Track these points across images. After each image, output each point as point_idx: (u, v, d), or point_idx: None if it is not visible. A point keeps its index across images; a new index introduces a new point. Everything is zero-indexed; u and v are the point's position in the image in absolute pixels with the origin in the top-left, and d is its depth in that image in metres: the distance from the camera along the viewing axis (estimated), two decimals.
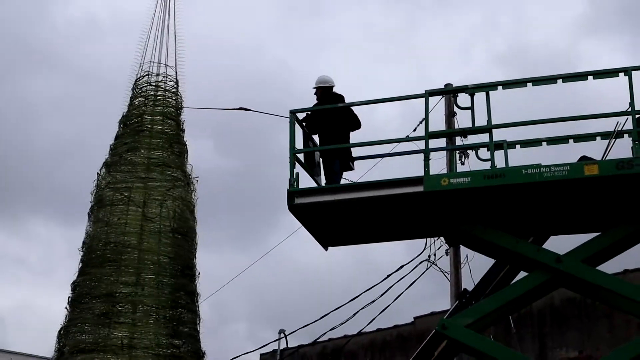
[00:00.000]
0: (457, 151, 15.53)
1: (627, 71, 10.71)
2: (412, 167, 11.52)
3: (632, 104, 10.64)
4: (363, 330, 20.21)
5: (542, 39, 48.50)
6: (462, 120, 13.95)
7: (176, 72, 15.17)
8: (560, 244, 11.63)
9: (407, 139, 11.81)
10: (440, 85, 16.02)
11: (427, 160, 10.97)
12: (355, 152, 12.62)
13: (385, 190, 11.02)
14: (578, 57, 45.83)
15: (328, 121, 12.34)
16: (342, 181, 12.23)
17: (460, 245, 15.38)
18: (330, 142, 12.24)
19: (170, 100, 15.12)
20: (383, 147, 12.20)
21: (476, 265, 17.03)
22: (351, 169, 12.43)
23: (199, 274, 14.38)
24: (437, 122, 17.26)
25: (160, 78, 15.09)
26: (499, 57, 48.89)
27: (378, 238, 12.71)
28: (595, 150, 11.42)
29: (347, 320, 18.47)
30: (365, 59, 50.49)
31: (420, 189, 10.82)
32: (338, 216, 11.72)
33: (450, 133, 12.80)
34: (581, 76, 11.05)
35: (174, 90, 15.18)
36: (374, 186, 11.14)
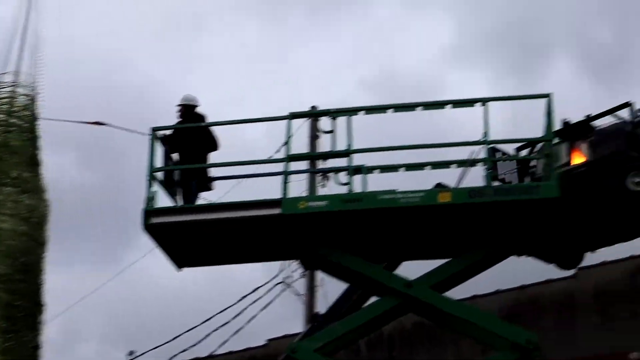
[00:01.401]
0: (319, 174, 15.67)
1: (484, 102, 11.05)
2: (278, 189, 11.48)
3: (486, 134, 10.97)
4: (215, 353, 20.00)
5: (410, 67, 49.61)
6: (327, 143, 14.07)
7: (34, 83, 14.58)
8: (420, 269, 11.78)
9: (267, 160, 11.81)
10: (309, 107, 16.20)
11: (285, 182, 10.97)
12: (219, 172, 12.48)
13: (242, 212, 10.96)
14: (444, 87, 47.07)
15: (187, 140, 12.19)
16: (202, 202, 12.09)
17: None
18: (188, 161, 12.08)
19: (26, 112, 14.48)
20: (251, 167, 12.17)
21: (332, 289, 17.14)
22: (209, 189, 12.30)
23: None
24: (303, 145, 17.44)
25: (17, 89, 14.45)
26: (368, 82, 49.64)
27: (234, 260, 12.61)
28: (455, 177, 11.69)
29: (199, 342, 18.28)
30: (239, 79, 50.36)
31: (277, 211, 10.81)
32: (194, 237, 11.56)
33: (310, 156, 12.86)
34: (440, 105, 11.34)
35: (31, 101, 14.57)
36: (232, 207, 11.06)
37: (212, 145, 12.46)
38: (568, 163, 11.65)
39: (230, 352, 23.37)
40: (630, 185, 11.18)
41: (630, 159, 11.35)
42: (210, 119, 12.47)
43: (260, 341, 23.43)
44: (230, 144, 12.61)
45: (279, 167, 11.64)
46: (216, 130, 12.34)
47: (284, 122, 11.50)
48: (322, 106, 12.62)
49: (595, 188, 11.35)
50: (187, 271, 12.57)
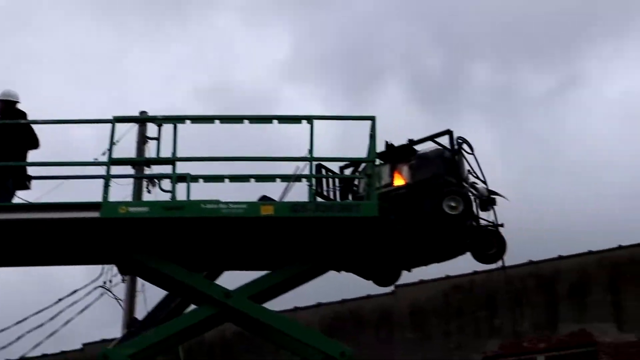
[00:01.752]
0: (145, 180, 15.44)
1: (309, 119, 11.23)
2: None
3: (311, 150, 11.16)
4: (28, 355, 19.35)
5: (245, 80, 49.72)
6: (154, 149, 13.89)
7: None
8: (244, 280, 11.78)
9: (88, 163, 11.53)
10: (139, 112, 15.96)
11: (107, 186, 10.79)
12: (39, 171, 12.11)
13: (60, 213, 10.69)
14: (278, 101, 47.46)
15: (6, 137, 11.79)
16: (19, 201, 11.70)
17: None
18: (5, 158, 11.68)
19: None
20: (75, 169, 11.84)
21: (153, 295, 16.93)
22: (27, 188, 11.93)
23: None
24: (132, 150, 17.15)
25: None
26: (203, 91, 49.43)
27: (51, 261, 12.27)
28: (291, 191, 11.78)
29: (11, 344, 17.64)
30: (70, 79, 48.99)
31: (96, 214, 10.61)
32: (9, 236, 11.18)
33: (134, 161, 12.69)
34: (266, 119, 11.44)
35: None
36: (49, 208, 10.76)
37: (32, 143, 12.09)
38: (389, 184, 12.00)
39: (45, 355, 22.70)
40: (446, 209, 11.61)
41: (448, 183, 11.80)
42: (33, 117, 12.10)
43: (76, 345, 22.91)
44: (56, 145, 12.29)
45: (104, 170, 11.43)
46: (37, 129, 11.98)
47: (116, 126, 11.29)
48: (153, 112, 12.47)
49: (413, 210, 11.73)
50: (5, 270, 12.18)
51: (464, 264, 13.51)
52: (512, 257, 14.10)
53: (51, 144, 12.39)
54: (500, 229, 12.33)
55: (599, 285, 18.60)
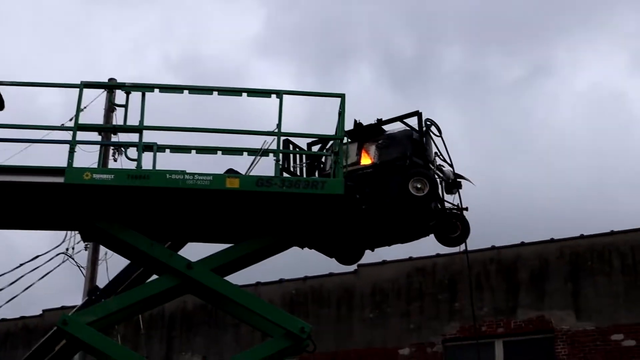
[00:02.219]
0: (111, 148, 15.33)
1: (279, 94, 11.20)
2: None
3: (279, 125, 11.14)
4: None
5: (216, 52, 49.49)
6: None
7: None
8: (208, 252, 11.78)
9: (55, 127, 11.44)
10: (108, 79, 15.84)
11: (72, 152, 10.69)
12: (4, 134, 11.97)
13: (23, 177, 10.58)
14: (249, 75, 47.32)
15: None
16: None
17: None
18: None
19: None
20: (42, 133, 11.72)
21: (115, 263, 16.88)
22: None
23: None
24: (99, 117, 17.03)
25: None
26: (172, 62, 49.17)
27: (12, 226, 12.17)
28: (258, 166, 11.76)
29: None
30: (36, 43, 48.44)
31: (60, 180, 10.52)
32: None
33: (100, 128, 12.58)
34: (236, 92, 11.38)
35: None
36: (11, 171, 10.65)
37: None
38: (356, 163, 12.01)
39: (4, 320, 22.62)
40: (412, 190, 11.65)
41: (414, 165, 11.84)
42: None
43: (36, 311, 22.84)
44: (21, 108, 12.14)
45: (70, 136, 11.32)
46: (2, 91, 11.84)
47: (84, 92, 11.18)
48: (122, 80, 12.33)
49: (379, 190, 11.76)
50: None
51: (427, 246, 13.61)
52: (475, 241, 14.22)
53: (17, 107, 12.25)
54: (465, 213, 12.41)
55: (559, 273, 18.81)
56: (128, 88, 11.18)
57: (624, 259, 18.41)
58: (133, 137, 11.33)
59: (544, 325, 18.57)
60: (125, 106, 11.21)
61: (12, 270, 17.29)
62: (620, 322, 17.99)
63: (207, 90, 11.23)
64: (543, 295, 18.79)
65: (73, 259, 16.68)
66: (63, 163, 10.69)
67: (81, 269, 16.80)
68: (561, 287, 18.71)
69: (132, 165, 11.05)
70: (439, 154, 12.49)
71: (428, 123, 12.26)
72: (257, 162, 11.57)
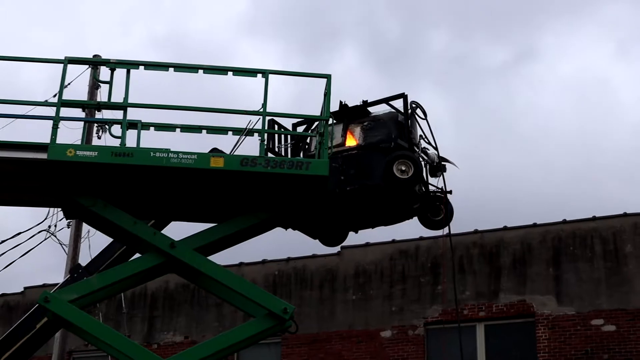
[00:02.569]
0: (95, 125, 15.24)
1: (265, 73, 11.14)
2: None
3: (264, 105, 11.09)
4: None
5: (202, 30, 49.24)
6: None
7: None
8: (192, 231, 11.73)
9: (38, 102, 11.35)
10: (93, 55, 15.73)
11: (55, 128, 10.61)
12: None
13: (7, 152, 10.50)
14: (234, 54, 47.14)
15: None
16: None
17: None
18: None
19: None
20: (25, 109, 11.64)
21: (98, 241, 16.82)
22: None
23: None
24: (83, 93, 16.92)
25: None
26: (158, 39, 48.91)
27: None
28: (243, 145, 11.72)
29: None
30: (19, 17, 48.05)
31: (43, 156, 10.45)
32: None
33: (84, 105, 12.49)
34: (221, 70, 11.32)
35: None
36: None
37: None
38: (341, 144, 12.00)
39: None
40: (396, 173, 11.65)
41: (399, 147, 11.84)
42: None
43: (17, 288, 22.77)
44: (4, 83, 12.05)
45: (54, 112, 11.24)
46: None
47: (68, 69, 11.09)
48: (107, 56, 12.25)
49: (363, 171, 11.75)
50: None
51: (411, 228, 13.63)
52: (458, 224, 14.25)
53: (0, 82, 12.16)
54: (449, 196, 12.43)
55: (541, 258, 18.89)
56: (113, 64, 11.09)
57: (606, 244, 18.50)
58: (117, 115, 11.27)
59: (525, 309, 18.66)
60: (110, 83, 11.12)
61: None
62: (601, 308, 18.10)
63: (192, 69, 11.16)
64: (525, 280, 18.87)
65: (55, 236, 16.63)
66: (46, 139, 10.62)
67: (63, 246, 16.74)
68: (543, 272, 18.79)
69: (116, 143, 10.99)
70: (424, 136, 12.50)
71: (413, 106, 12.25)
72: (242, 141, 11.53)
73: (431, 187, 12.42)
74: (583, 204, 35.62)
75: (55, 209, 15.61)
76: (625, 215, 18.66)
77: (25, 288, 22.54)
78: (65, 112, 11.07)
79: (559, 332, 18.22)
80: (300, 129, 12.51)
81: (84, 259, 15.60)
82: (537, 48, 47.42)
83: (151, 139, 11.21)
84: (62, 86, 10.90)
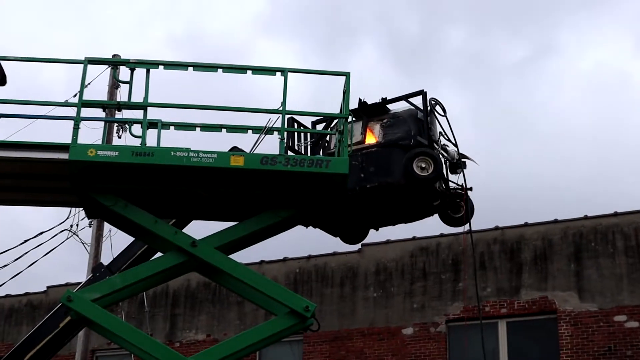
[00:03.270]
0: (116, 125, 15.31)
1: (284, 71, 11.15)
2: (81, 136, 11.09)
3: (284, 103, 11.10)
4: None
5: (220, 29, 49.38)
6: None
7: None
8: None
9: (59, 103, 11.43)
10: (112, 55, 15.82)
11: (76, 128, 10.67)
12: (8, 110, 11.97)
13: (27, 152, 10.58)
14: (253, 53, 47.24)
15: None
16: None
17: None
18: None
19: None
20: (44, 109, 11.72)
21: (120, 240, 16.93)
22: None
23: None
24: (104, 93, 17.02)
25: None
26: (176, 39, 49.08)
27: (16, 202, 12.20)
28: (263, 144, 11.76)
29: None
30: (39, 18, 48.36)
31: (65, 156, 10.51)
32: None
33: (104, 105, 12.56)
34: (241, 69, 11.33)
35: None
36: (16, 147, 10.65)
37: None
38: (361, 142, 12.00)
39: (8, 296, 22.71)
40: (416, 170, 11.64)
41: (418, 144, 11.82)
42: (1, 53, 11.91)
43: (40, 287, 22.93)
44: (25, 84, 12.14)
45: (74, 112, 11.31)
46: (7, 67, 11.81)
47: (88, 69, 11.15)
48: (126, 56, 12.28)
49: (382, 169, 11.75)
50: None
51: (431, 225, 13.61)
52: (479, 221, 14.24)
53: (20, 83, 12.24)
54: (469, 193, 12.40)
55: (562, 254, 18.81)
56: (132, 64, 11.12)
57: (628, 240, 18.40)
58: (137, 114, 11.32)
59: (547, 306, 18.60)
60: (130, 83, 11.17)
61: (16, 247, 17.34)
62: (623, 304, 18.01)
63: (211, 68, 11.17)
64: (546, 276, 18.81)
65: (77, 235, 16.73)
66: (66, 139, 10.69)
67: (85, 245, 16.84)
68: (564, 268, 18.72)
69: (137, 142, 11.04)
70: (443, 133, 12.47)
71: (433, 102, 12.23)
72: (262, 140, 11.55)
73: (451, 184, 12.40)
74: (604, 199, 35.43)
75: (77, 208, 15.69)
76: None
77: (48, 287, 22.70)
78: (85, 112, 11.15)
79: (581, 328, 18.15)
80: (319, 127, 12.53)
81: (106, 258, 15.71)
82: (556, 44, 47.24)
83: (171, 139, 11.27)
84: (83, 86, 10.96)
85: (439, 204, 12.24)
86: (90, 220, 15.91)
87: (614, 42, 46.95)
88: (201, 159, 10.66)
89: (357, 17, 48.32)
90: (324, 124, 12.53)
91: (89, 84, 11.00)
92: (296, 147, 12.44)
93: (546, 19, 47.81)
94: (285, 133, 11.31)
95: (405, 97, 12.14)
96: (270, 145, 11.49)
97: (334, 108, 11.70)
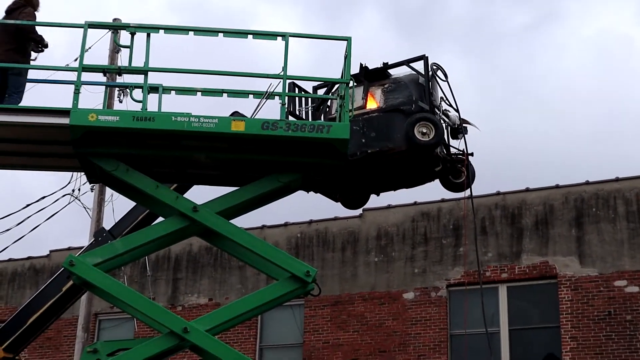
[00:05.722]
0: (117, 89, 15.27)
1: (285, 36, 11.09)
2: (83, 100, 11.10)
3: (285, 68, 11.05)
4: None
5: None
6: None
7: None
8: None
9: (60, 67, 11.39)
10: (112, 20, 15.76)
11: (77, 93, 10.63)
12: None
13: (28, 117, 10.57)
14: (254, 20, 46.96)
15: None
16: None
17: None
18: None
19: None
20: (45, 73, 11.68)
21: (122, 205, 16.96)
22: None
23: None
24: (104, 57, 16.95)
25: None
26: (177, 4, 48.78)
27: (17, 166, 12.21)
28: (264, 109, 11.76)
29: None
30: None
31: (65, 121, 10.50)
32: None
33: (105, 69, 12.50)
34: (241, 33, 11.26)
35: None
36: (18, 112, 10.64)
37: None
38: (362, 107, 11.96)
39: (11, 260, 22.82)
40: (417, 135, 11.62)
41: (420, 109, 11.79)
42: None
43: (43, 251, 23.04)
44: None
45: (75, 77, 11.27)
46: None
47: (89, 33, 11.10)
48: (127, 21, 12.18)
49: (384, 134, 11.73)
50: None
51: (432, 190, 13.62)
52: (480, 186, 14.25)
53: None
54: (470, 158, 12.39)
55: (563, 219, 18.84)
56: (133, 29, 11.05)
57: (629, 205, 18.43)
58: (138, 79, 11.28)
59: (547, 271, 18.67)
60: (130, 47, 11.11)
61: (19, 211, 17.40)
62: (623, 269, 18.08)
63: (212, 32, 11.10)
64: (547, 241, 18.86)
65: (79, 200, 16.77)
66: (66, 104, 10.68)
67: (87, 210, 16.90)
68: (566, 233, 18.76)
69: (138, 107, 11.02)
70: (444, 98, 12.43)
71: (434, 67, 12.18)
72: (263, 105, 11.52)
73: (452, 150, 12.38)
74: (606, 165, 35.43)
75: (78, 173, 15.71)
76: None
77: (51, 251, 22.79)
78: (86, 76, 11.11)
79: (581, 293, 18.23)
80: (320, 92, 12.49)
81: (108, 223, 15.75)
82: (558, 10, 46.97)
83: (172, 103, 11.23)
84: (83, 51, 10.90)
85: (440, 169, 12.23)
86: (92, 185, 15.93)
87: (616, 7, 46.67)
88: (202, 124, 10.64)
89: None
90: (325, 89, 12.50)
91: (89, 48, 10.93)
92: (297, 112, 12.41)
93: None
94: (286, 98, 11.28)
95: (407, 62, 12.08)
96: (271, 110, 11.47)
97: (336, 73, 11.65)
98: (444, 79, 12.30)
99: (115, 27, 11.80)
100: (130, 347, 10.81)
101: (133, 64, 11.11)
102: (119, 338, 20.05)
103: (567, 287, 18.41)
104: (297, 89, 12.31)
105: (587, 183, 19.03)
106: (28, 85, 11.98)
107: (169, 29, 11.09)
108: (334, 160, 11.24)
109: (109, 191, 16.50)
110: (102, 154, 10.95)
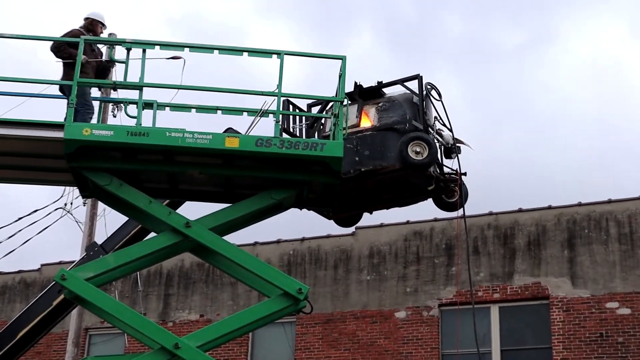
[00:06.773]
0: (111, 104, 15.28)
1: (280, 54, 11.13)
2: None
3: (279, 86, 11.09)
4: None
5: (217, 12, 49.21)
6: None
7: None
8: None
9: (55, 82, 11.41)
10: (108, 35, 15.76)
11: (71, 107, 10.66)
12: (3, 87, 11.94)
13: (22, 130, 10.57)
14: (248, 36, 47.07)
15: None
16: None
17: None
18: None
19: None
20: (40, 87, 11.70)
21: (114, 220, 16.91)
22: None
23: None
24: None
25: None
26: (172, 20, 48.91)
27: (11, 179, 12.20)
28: (258, 126, 11.77)
29: None
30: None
31: (60, 135, 10.50)
32: None
33: (100, 84, 12.52)
34: (237, 51, 11.30)
35: None
36: (12, 125, 10.64)
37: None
38: (356, 125, 11.99)
39: (1, 273, 22.76)
40: (411, 154, 11.65)
41: (413, 128, 11.82)
42: None
43: (34, 265, 22.96)
44: (20, 61, 12.10)
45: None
46: (3, 44, 11.83)
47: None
48: (122, 36, 12.27)
49: (377, 152, 11.76)
50: None
51: (425, 210, 13.64)
52: (473, 206, 14.27)
53: (16, 60, 12.23)
54: (463, 178, 12.42)
55: (556, 241, 18.87)
56: (129, 44, 11.09)
57: (621, 227, 18.46)
58: (133, 94, 11.31)
59: (539, 292, 18.67)
60: (126, 62, 11.14)
61: (10, 224, 17.33)
62: (615, 291, 18.09)
63: (208, 49, 11.15)
64: (539, 262, 18.87)
65: (71, 214, 16.73)
66: (61, 118, 10.67)
67: (79, 224, 16.85)
68: (558, 254, 18.78)
69: (132, 123, 11.03)
70: (438, 118, 12.47)
71: (428, 87, 12.23)
72: (257, 122, 11.54)
73: (446, 169, 12.41)
74: (598, 186, 35.53)
75: (71, 187, 15.68)
76: None
77: (42, 265, 22.74)
78: None
79: (573, 314, 18.23)
80: (315, 110, 12.52)
81: (100, 237, 15.70)
82: (552, 30, 47.21)
83: (167, 119, 11.25)
84: (78, 66, 10.93)
85: (433, 189, 12.25)
86: (85, 199, 15.90)
87: (609, 28, 46.96)
88: (196, 139, 10.66)
89: (354, 0, 48.21)
90: (320, 106, 12.53)
91: (79, 61, 10.92)
92: (291, 130, 12.44)
93: (543, 6, 47.77)
94: (281, 115, 11.30)
95: (401, 81, 12.13)
96: (266, 127, 11.49)
97: (330, 91, 11.69)
98: (438, 98, 12.35)
99: (111, 42, 11.84)
100: None
101: (128, 80, 11.14)
102: (110, 353, 20.02)
103: (559, 308, 18.41)
104: (291, 107, 12.34)
105: (580, 204, 19.07)
106: (21, 98, 12.00)
107: (165, 45, 11.13)
108: (328, 178, 11.26)
109: (101, 205, 16.46)
110: (95, 169, 10.95)
